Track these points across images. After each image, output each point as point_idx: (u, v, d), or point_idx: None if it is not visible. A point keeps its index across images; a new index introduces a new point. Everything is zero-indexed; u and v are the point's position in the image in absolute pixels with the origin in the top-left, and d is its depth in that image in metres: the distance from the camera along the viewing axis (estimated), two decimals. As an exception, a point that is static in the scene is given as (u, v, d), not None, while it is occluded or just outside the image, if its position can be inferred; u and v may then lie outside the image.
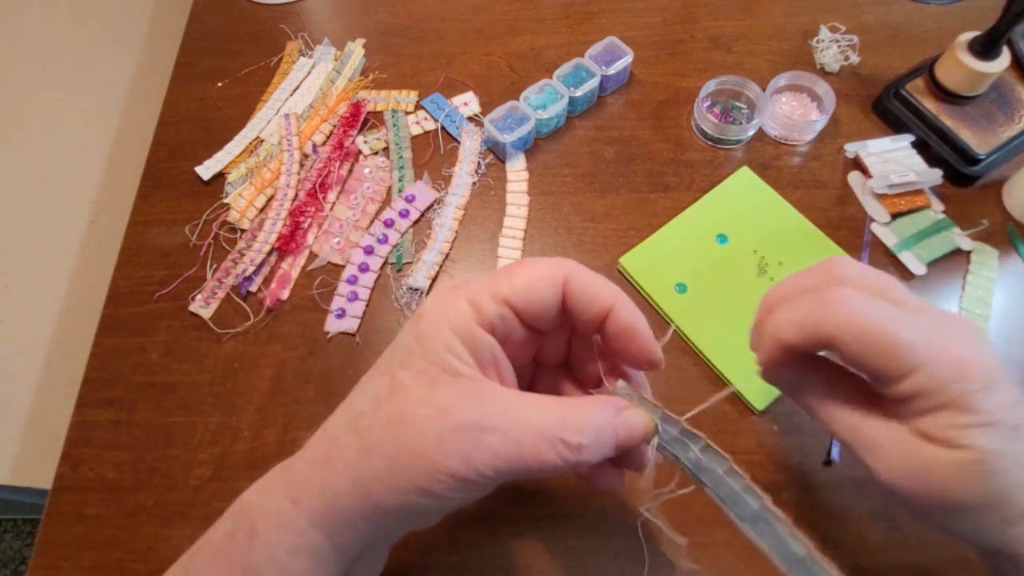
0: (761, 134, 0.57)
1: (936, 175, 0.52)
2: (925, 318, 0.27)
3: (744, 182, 0.55)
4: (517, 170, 0.57)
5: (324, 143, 0.59)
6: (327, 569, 0.28)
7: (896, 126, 0.56)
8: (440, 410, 0.26)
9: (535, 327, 0.29)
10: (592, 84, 0.57)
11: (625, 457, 0.30)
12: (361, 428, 0.27)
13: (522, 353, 0.31)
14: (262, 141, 0.59)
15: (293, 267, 0.53)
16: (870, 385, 0.29)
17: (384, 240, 0.54)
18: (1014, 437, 0.26)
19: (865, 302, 0.27)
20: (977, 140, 0.53)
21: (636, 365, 0.31)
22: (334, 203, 0.56)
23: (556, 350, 0.33)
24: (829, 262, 0.29)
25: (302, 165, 0.57)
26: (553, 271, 0.28)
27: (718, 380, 0.47)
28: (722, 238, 0.52)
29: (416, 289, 0.52)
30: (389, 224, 0.54)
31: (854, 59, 0.60)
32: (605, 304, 0.28)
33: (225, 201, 0.56)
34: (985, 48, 0.51)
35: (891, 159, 0.53)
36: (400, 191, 0.56)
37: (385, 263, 0.53)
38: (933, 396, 0.26)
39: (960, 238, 0.51)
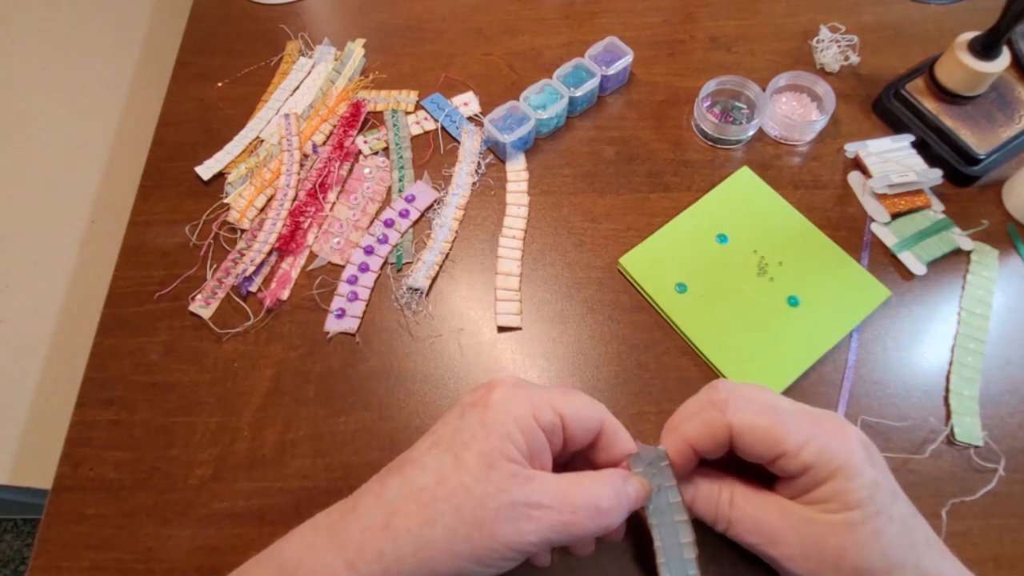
0: (761, 134, 0.57)
1: (936, 175, 0.52)
2: (801, 410, 0.34)
3: (744, 182, 0.55)
4: (517, 170, 0.57)
5: (324, 143, 0.59)
6: None
7: (896, 126, 0.56)
8: (497, 488, 0.31)
9: (568, 442, 0.35)
10: (592, 84, 0.57)
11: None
12: (424, 501, 0.31)
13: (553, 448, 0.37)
14: (262, 141, 0.59)
15: (293, 267, 0.53)
16: (767, 489, 0.35)
17: (384, 240, 0.54)
18: (895, 500, 0.32)
19: (752, 405, 0.34)
20: (977, 140, 0.53)
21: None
22: (334, 203, 0.56)
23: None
24: (712, 387, 0.36)
25: (302, 165, 0.57)
26: (601, 413, 0.35)
27: (718, 380, 0.47)
28: (722, 238, 0.52)
29: (416, 289, 0.52)
30: (389, 224, 0.54)
31: (854, 59, 0.60)
32: (625, 450, 0.35)
33: (225, 201, 0.56)
34: (985, 48, 0.51)
35: (891, 159, 0.53)
36: (400, 191, 0.56)
37: (385, 263, 0.53)
38: (823, 464, 0.31)
39: (960, 238, 0.51)
